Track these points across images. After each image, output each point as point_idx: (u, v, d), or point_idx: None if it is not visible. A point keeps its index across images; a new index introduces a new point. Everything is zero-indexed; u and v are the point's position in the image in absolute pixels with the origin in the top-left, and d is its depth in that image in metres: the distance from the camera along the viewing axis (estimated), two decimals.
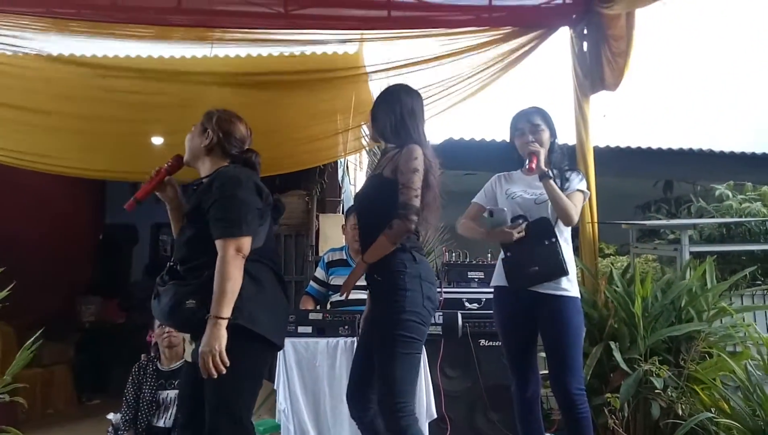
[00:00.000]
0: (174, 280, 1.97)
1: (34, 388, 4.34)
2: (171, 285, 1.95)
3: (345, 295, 2.27)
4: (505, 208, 2.51)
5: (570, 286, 2.42)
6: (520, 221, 2.45)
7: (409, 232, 2.08)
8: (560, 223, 2.47)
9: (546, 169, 2.43)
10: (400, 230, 2.05)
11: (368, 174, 2.39)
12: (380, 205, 2.12)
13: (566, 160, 2.65)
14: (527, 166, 2.45)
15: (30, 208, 4.81)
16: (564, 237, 2.48)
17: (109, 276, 6.00)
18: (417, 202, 2.06)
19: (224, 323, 1.81)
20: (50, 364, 4.60)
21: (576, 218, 2.42)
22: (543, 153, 2.48)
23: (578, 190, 2.50)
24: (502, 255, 2.54)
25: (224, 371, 1.82)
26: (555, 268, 2.38)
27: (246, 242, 1.91)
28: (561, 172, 2.55)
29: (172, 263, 2.04)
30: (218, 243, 1.89)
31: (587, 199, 2.62)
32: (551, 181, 2.40)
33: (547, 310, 2.41)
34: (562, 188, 2.47)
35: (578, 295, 2.46)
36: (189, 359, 2.16)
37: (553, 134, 2.59)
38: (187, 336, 2.17)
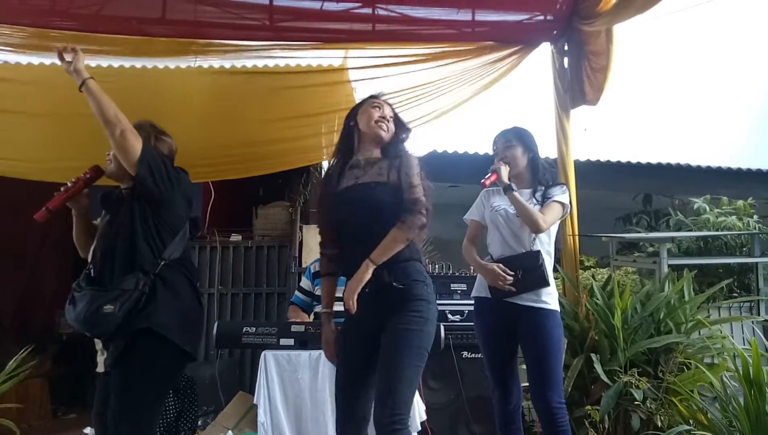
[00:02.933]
0: (91, 287, 1.96)
1: (9, 402, 4.24)
2: (89, 290, 1.94)
3: (351, 304, 1.97)
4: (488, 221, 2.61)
5: (550, 298, 2.45)
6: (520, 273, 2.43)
7: (423, 227, 2.01)
8: (541, 236, 2.50)
9: (508, 182, 2.50)
10: (414, 224, 1.99)
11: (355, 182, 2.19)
12: (391, 209, 2.03)
13: (553, 176, 2.70)
14: (482, 182, 2.56)
15: (5, 219, 4.73)
16: (546, 250, 2.52)
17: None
18: (424, 200, 2.05)
19: (84, 79, 1.98)
20: (26, 377, 4.49)
21: (543, 225, 2.44)
22: (505, 170, 2.54)
23: (555, 200, 2.53)
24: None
25: None
26: (537, 277, 2.41)
27: (138, 144, 1.97)
28: (546, 188, 2.59)
29: (88, 270, 2.03)
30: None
31: (567, 212, 2.63)
32: (515, 193, 2.47)
33: (527, 323, 2.43)
34: (543, 201, 2.52)
35: (558, 308, 2.48)
36: (101, 370, 2.11)
37: (529, 150, 2.63)
38: (99, 345, 2.11)
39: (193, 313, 2.08)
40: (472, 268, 3.63)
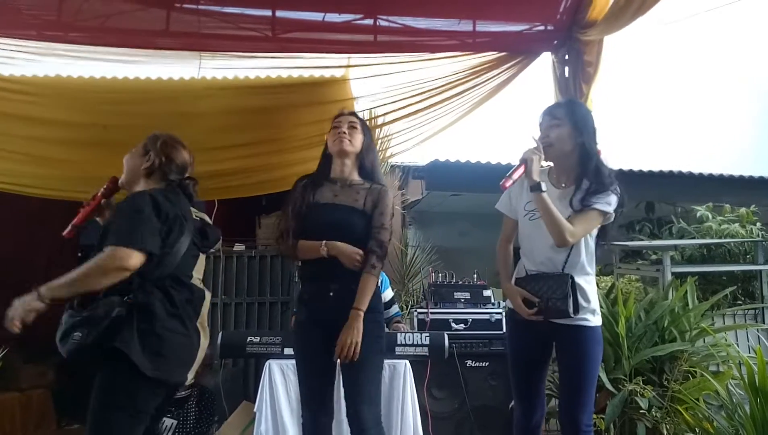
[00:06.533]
0: (71, 309, 1.91)
1: (12, 413, 4.24)
2: (69, 313, 1.90)
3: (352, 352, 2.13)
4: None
5: (589, 315, 2.17)
6: (536, 300, 2.19)
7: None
8: (580, 247, 2.18)
9: (537, 180, 2.09)
10: (380, 268, 2.22)
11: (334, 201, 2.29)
12: (360, 236, 2.22)
13: (610, 178, 2.18)
14: (502, 182, 2.11)
15: (4, 228, 4.74)
16: (585, 260, 2.20)
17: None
18: (387, 242, 2.26)
19: (38, 297, 1.86)
20: (29, 387, 4.50)
21: (570, 239, 2.09)
22: (538, 162, 2.12)
23: (594, 208, 2.13)
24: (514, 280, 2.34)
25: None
26: (560, 309, 2.13)
27: (132, 256, 1.80)
28: (590, 192, 2.15)
29: None
30: (106, 250, 1.82)
31: (610, 220, 2.20)
32: (543, 195, 2.09)
33: (563, 340, 2.21)
34: (583, 205, 2.14)
35: (598, 323, 2.20)
36: None
37: (580, 133, 2.17)
38: None
39: (168, 338, 1.91)
40: (475, 276, 3.65)
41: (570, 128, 2.18)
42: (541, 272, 2.22)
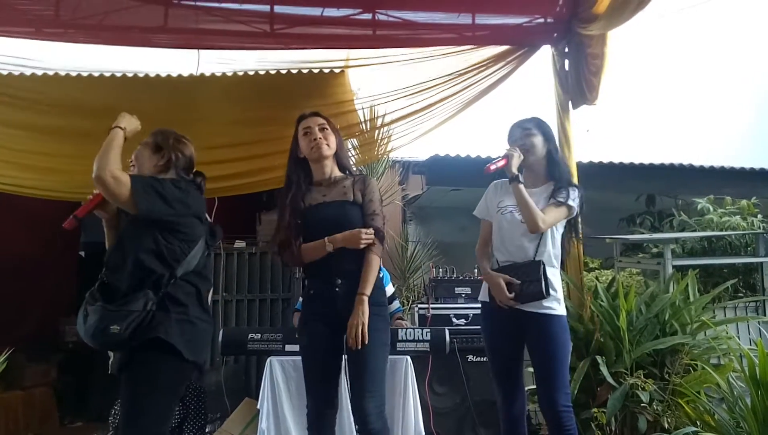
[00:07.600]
0: (104, 298, 1.98)
1: (15, 411, 4.26)
2: (99, 307, 1.96)
3: (357, 338, 2.16)
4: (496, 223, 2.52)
5: (555, 304, 2.40)
6: (518, 283, 2.39)
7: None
8: (546, 239, 2.43)
9: (516, 173, 2.41)
10: (381, 251, 2.30)
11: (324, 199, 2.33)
12: (357, 226, 2.26)
13: (570, 181, 2.56)
14: (486, 166, 2.42)
15: (7, 227, 4.75)
16: (550, 252, 2.44)
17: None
18: (383, 227, 2.35)
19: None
20: (32, 386, 4.51)
21: (542, 226, 2.36)
22: (518, 159, 2.44)
23: (561, 201, 2.43)
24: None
25: None
26: (535, 291, 2.34)
27: (124, 192, 1.92)
28: (557, 189, 2.47)
29: (102, 277, 2.04)
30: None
31: (574, 214, 2.50)
32: (520, 186, 2.39)
33: (533, 328, 2.40)
34: (554, 199, 2.44)
35: (564, 313, 2.44)
36: (112, 372, 2.14)
37: (548, 141, 2.55)
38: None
39: (198, 325, 2.08)
40: (476, 271, 3.65)
41: (541, 137, 2.54)
42: (512, 262, 2.44)
